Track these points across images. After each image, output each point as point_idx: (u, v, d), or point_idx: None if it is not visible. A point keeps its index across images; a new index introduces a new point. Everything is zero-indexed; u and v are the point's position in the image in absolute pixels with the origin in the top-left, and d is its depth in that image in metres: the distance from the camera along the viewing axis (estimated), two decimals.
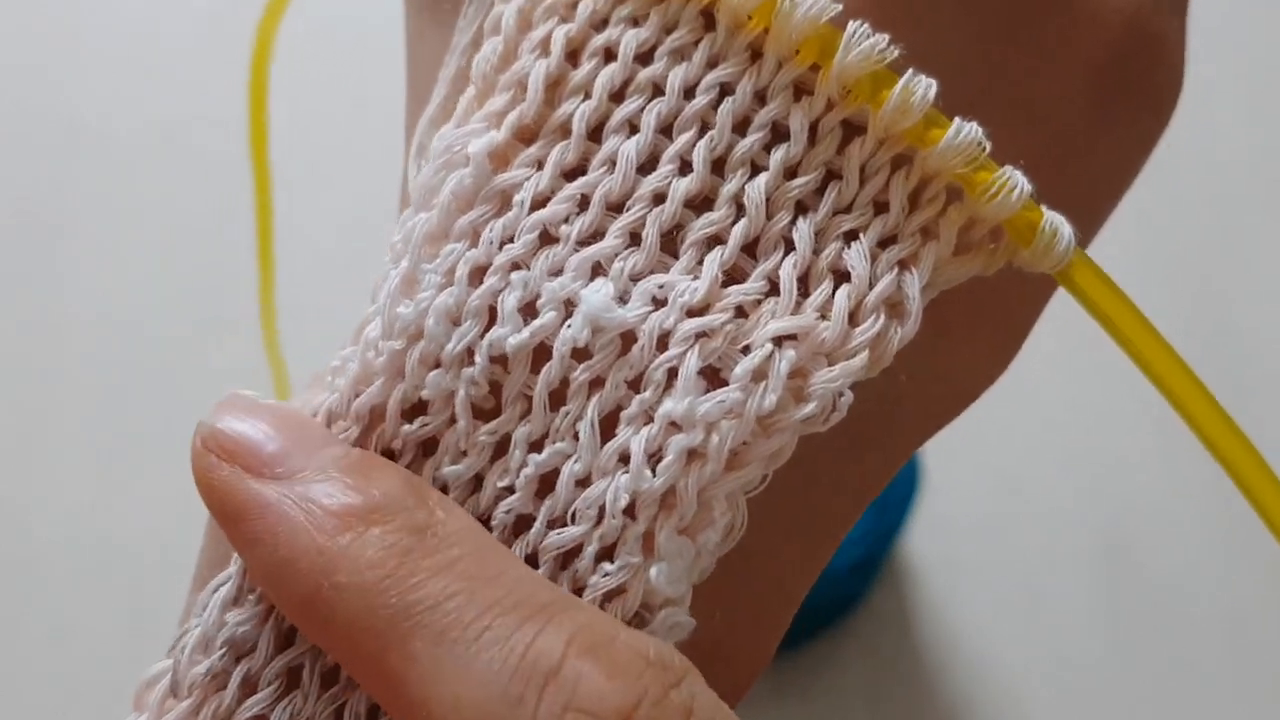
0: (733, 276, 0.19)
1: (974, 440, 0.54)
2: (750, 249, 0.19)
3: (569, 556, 0.19)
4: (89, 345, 0.57)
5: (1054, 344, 0.58)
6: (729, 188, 0.19)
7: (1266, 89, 0.63)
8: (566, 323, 0.19)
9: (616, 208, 0.19)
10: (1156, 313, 0.66)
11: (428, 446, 0.19)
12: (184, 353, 0.57)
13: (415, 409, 0.19)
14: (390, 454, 0.19)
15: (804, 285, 0.19)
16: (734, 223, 0.19)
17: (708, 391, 0.18)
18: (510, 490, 0.19)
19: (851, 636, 0.52)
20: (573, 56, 0.20)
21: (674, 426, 0.18)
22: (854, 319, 0.19)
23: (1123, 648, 0.52)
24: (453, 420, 0.19)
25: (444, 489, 0.19)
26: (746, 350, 0.19)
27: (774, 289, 0.19)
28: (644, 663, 0.17)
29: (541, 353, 0.19)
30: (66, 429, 0.56)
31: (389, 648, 0.17)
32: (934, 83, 0.19)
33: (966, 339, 0.21)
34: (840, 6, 0.19)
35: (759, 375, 0.18)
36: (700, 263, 0.19)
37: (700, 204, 0.19)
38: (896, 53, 0.18)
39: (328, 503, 0.18)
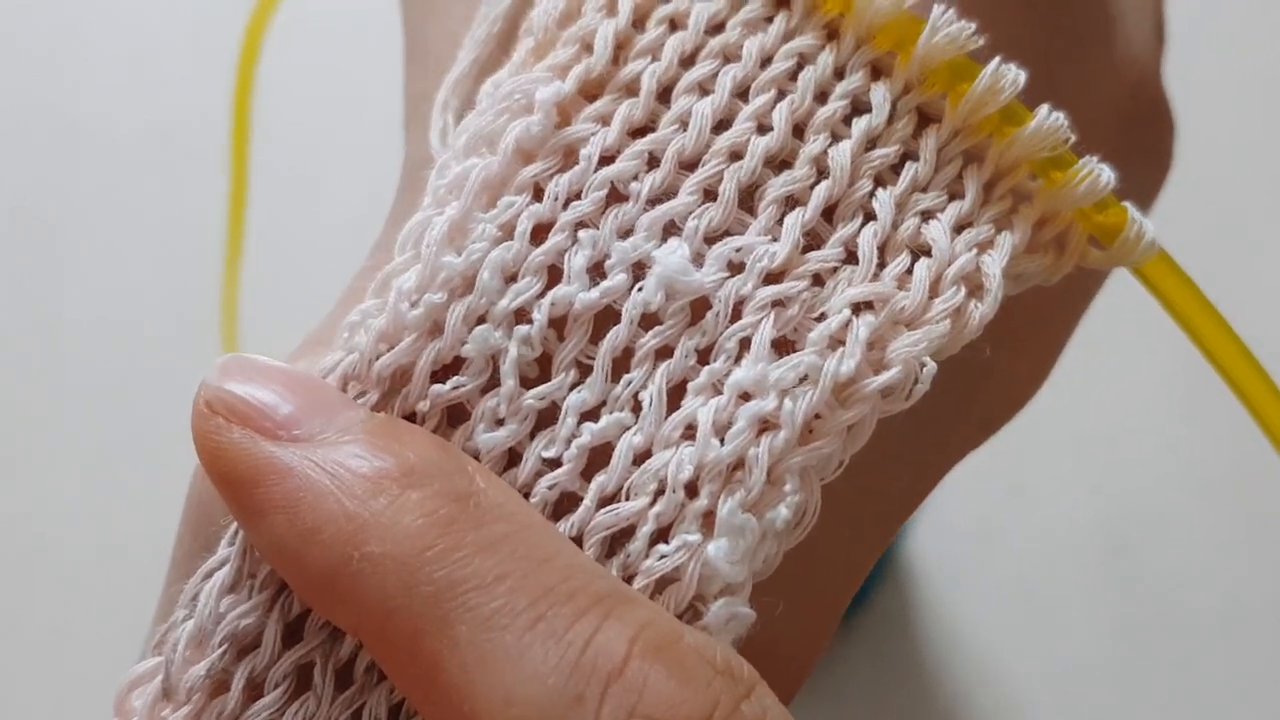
0: (809, 242, 0.18)
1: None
2: (829, 213, 0.18)
3: (620, 539, 0.17)
4: (87, 344, 0.57)
5: None
6: (810, 149, 0.18)
7: (1267, 87, 0.63)
8: (638, 285, 0.18)
9: (689, 167, 0.18)
10: (1158, 308, 0.65)
11: (455, 414, 0.18)
12: (183, 352, 0.57)
13: (448, 369, 0.18)
14: (412, 418, 0.18)
15: (881, 256, 0.18)
16: (815, 185, 0.18)
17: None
18: (556, 463, 0.17)
19: (852, 636, 0.52)
20: (638, 24, 0.19)
21: (744, 398, 0.17)
22: (934, 291, 0.18)
23: (1125, 648, 0.52)
24: (492, 384, 0.18)
25: (475, 459, 0.17)
26: (822, 318, 0.18)
27: (850, 258, 0.18)
28: (711, 670, 0.16)
29: (604, 317, 0.18)
30: (65, 428, 0.56)
31: (426, 631, 0.15)
32: (1023, 73, 0.18)
33: (1023, 346, 0.20)
34: None
35: (835, 342, 0.17)
36: (779, 223, 0.18)
37: (778, 166, 0.18)
38: (981, 41, 0.18)
39: (356, 465, 0.16)
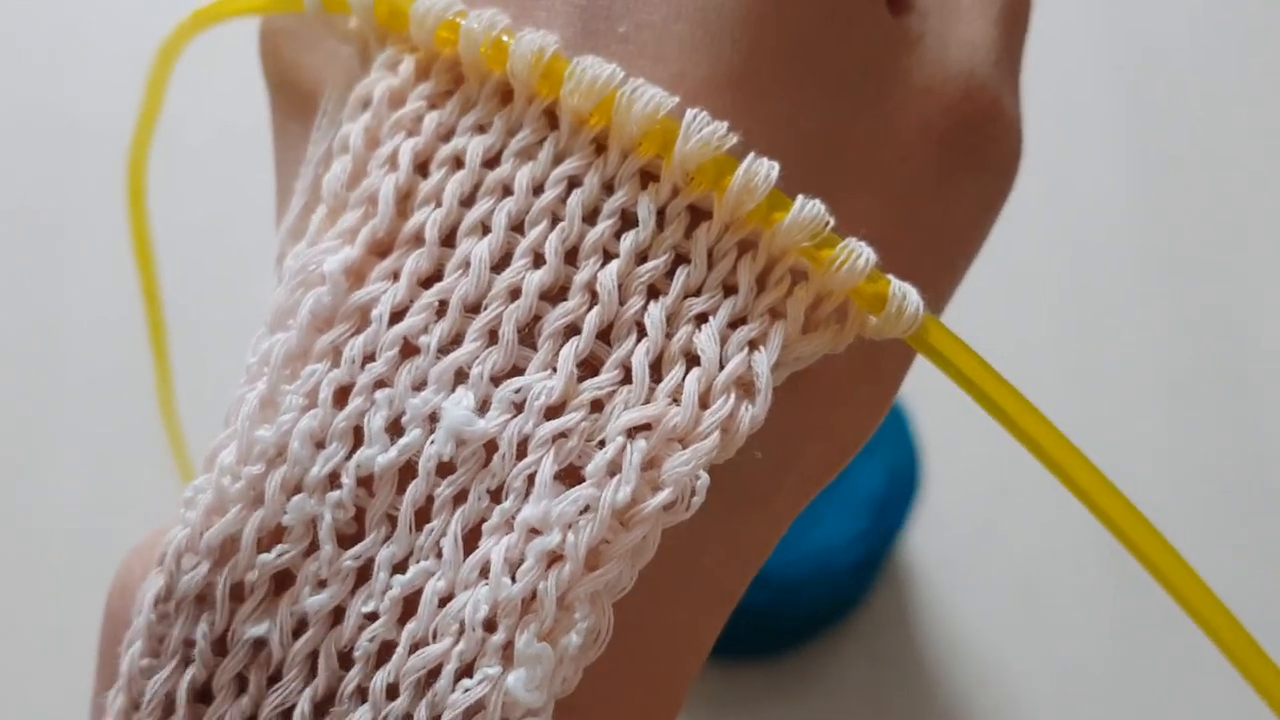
0: (591, 365, 0.19)
1: (974, 440, 0.54)
2: (605, 335, 0.19)
3: (429, 678, 0.18)
4: (87, 344, 0.57)
5: (1052, 343, 0.58)
6: (582, 275, 0.19)
7: (1268, 88, 0.63)
8: (430, 438, 0.19)
9: (474, 309, 0.19)
10: (1158, 309, 0.65)
11: (282, 580, 0.19)
12: (183, 352, 0.57)
13: (272, 537, 0.19)
14: (242, 588, 0.19)
15: (656, 371, 0.19)
16: (588, 310, 0.19)
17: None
18: (374, 616, 0.18)
19: (851, 636, 0.52)
20: (422, 168, 0.20)
21: (534, 532, 0.18)
22: (704, 401, 0.19)
23: (1124, 647, 0.52)
24: (313, 548, 0.19)
25: (303, 623, 0.18)
26: (602, 445, 0.19)
27: (627, 377, 0.19)
28: None
29: (407, 471, 0.19)
30: (65, 428, 0.56)
31: None
32: (776, 165, 0.19)
33: (844, 399, 0.21)
34: (676, 99, 0.19)
35: (613, 469, 0.18)
36: (558, 355, 0.19)
37: (556, 295, 0.19)
38: (735, 139, 0.19)
39: None
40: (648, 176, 0.20)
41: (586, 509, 0.18)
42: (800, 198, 0.19)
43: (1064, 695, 0.52)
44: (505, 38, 0.20)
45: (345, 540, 0.19)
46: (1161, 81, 0.63)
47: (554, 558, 0.18)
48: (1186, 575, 0.20)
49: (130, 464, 0.55)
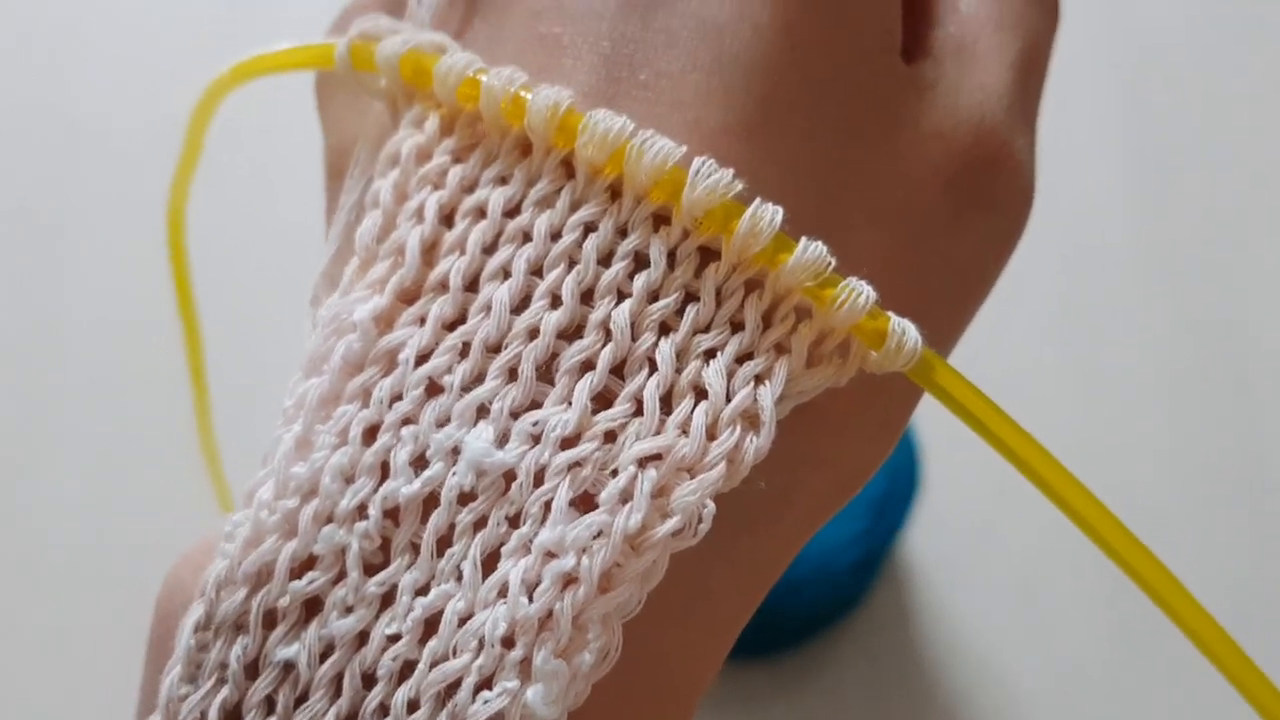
0: (605, 399, 0.20)
1: (974, 441, 0.54)
2: (619, 371, 0.20)
3: (449, 691, 0.19)
4: (87, 344, 0.57)
5: (1053, 343, 0.58)
6: (597, 315, 0.20)
7: (1266, 85, 0.63)
8: (452, 470, 0.20)
9: (495, 349, 0.20)
10: (1158, 307, 0.65)
11: (311, 606, 0.20)
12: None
13: (304, 566, 0.20)
14: (275, 614, 0.20)
15: (667, 404, 0.20)
16: (602, 347, 0.20)
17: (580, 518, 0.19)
18: (397, 637, 0.19)
19: (851, 636, 0.52)
20: (447, 219, 0.21)
21: (550, 555, 0.19)
22: (712, 433, 0.20)
23: (1122, 647, 0.52)
24: (341, 576, 0.20)
25: (330, 646, 0.19)
26: (615, 473, 0.20)
27: (639, 409, 0.20)
28: None
29: (430, 501, 0.20)
30: (65, 428, 0.56)
31: None
32: (780, 210, 0.20)
33: (848, 431, 0.22)
34: (684, 149, 0.20)
35: (625, 497, 0.19)
36: (573, 390, 0.20)
37: (573, 333, 0.20)
38: (740, 185, 0.20)
39: None
40: (660, 220, 0.21)
41: (600, 534, 0.19)
42: (804, 240, 0.20)
43: (1063, 695, 0.52)
44: (523, 93, 0.21)
45: (371, 568, 0.20)
46: (1159, 79, 0.63)
47: (569, 579, 0.19)
48: (1192, 609, 0.21)
49: (130, 464, 0.55)
